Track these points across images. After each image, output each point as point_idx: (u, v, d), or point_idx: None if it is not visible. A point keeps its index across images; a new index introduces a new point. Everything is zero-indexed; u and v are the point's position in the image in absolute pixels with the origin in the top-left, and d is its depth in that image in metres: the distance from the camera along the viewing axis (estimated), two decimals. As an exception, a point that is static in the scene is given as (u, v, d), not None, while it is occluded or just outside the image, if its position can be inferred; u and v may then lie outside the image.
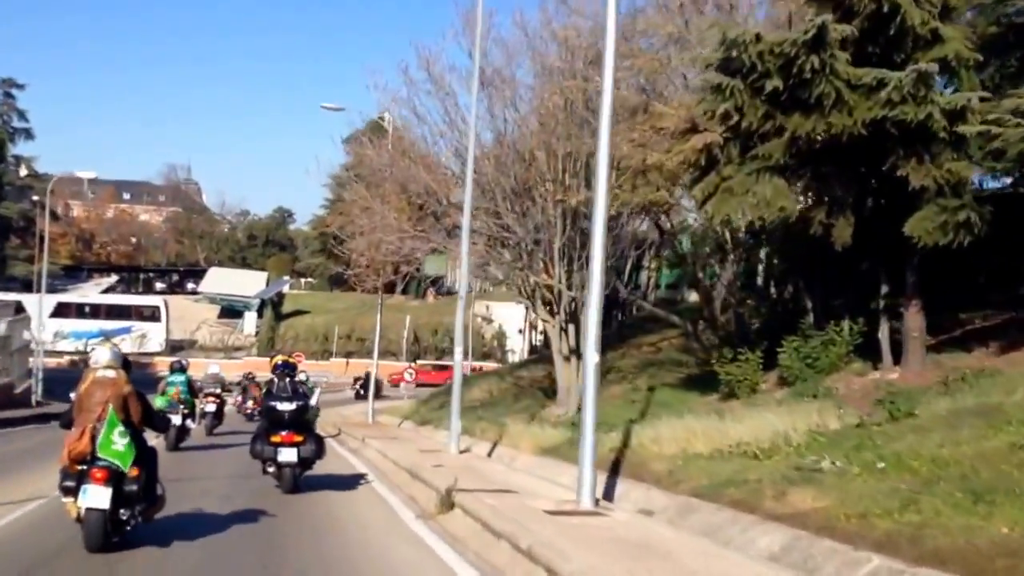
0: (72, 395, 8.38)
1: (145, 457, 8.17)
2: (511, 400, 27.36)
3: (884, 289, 14.69)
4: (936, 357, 14.07)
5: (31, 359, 34.78)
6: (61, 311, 61.51)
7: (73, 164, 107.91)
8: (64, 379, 29.82)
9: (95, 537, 7.70)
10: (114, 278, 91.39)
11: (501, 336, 66.14)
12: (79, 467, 7.79)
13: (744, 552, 7.17)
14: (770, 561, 6.84)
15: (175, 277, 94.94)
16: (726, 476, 9.27)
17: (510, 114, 22.53)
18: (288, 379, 12.61)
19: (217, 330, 74.33)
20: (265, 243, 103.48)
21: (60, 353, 57.86)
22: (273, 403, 12.52)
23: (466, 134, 21.33)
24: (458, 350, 18.02)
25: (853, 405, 12.55)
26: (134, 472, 7.86)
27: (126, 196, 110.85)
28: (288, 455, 12.14)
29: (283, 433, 12.19)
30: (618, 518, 8.68)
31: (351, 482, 13.92)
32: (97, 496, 7.65)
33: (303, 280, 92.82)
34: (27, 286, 63.54)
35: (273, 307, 74.40)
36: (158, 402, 17.47)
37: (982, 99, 12.23)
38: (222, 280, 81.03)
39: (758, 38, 12.59)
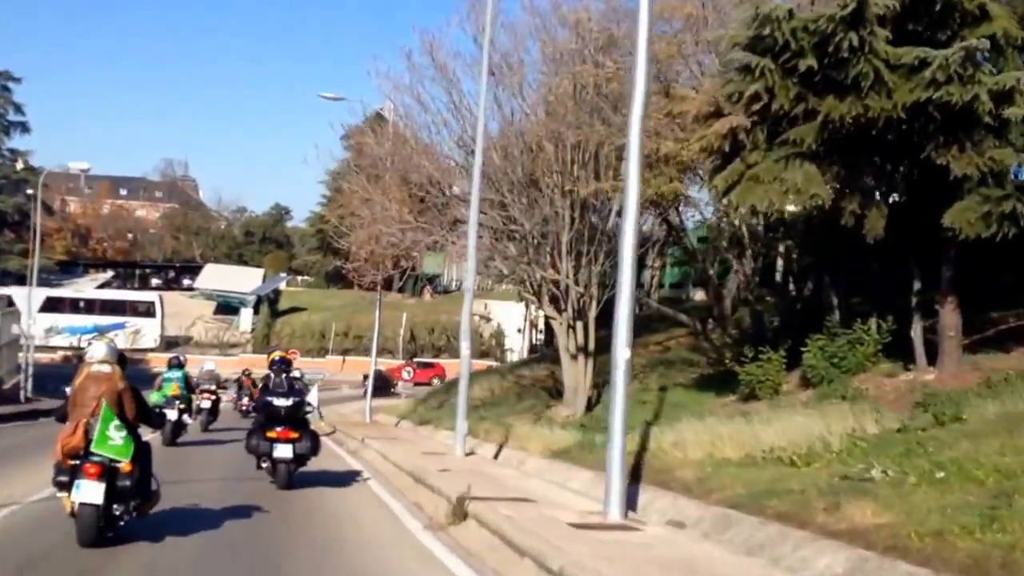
0: (68, 389, 8.36)
1: (139, 452, 8.11)
2: (514, 399, 26.63)
3: (917, 285, 13.93)
4: (972, 358, 13.46)
5: (20, 354, 33.88)
6: (52, 305, 60.56)
7: (70, 159, 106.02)
8: (57, 375, 29.58)
9: (88, 532, 7.69)
10: (110, 274, 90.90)
11: (499, 335, 65.65)
12: (72, 462, 7.75)
13: (800, 575, 6.33)
14: (834, 586, 6.00)
15: (171, 273, 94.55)
16: (764, 485, 8.48)
17: (517, 102, 21.80)
18: (284, 375, 12.64)
19: (213, 326, 73.70)
20: (262, 240, 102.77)
21: (53, 348, 57.30)
22: (270, 399, 12.51)
23: (470, 122, 20.54)
24: (464, 344, 16.78)
25: (888, 408, 11.87)
26: (127, 467, 7.82)
27: (122, 192, 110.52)
28: (284, 451, 12.08)
29: (279, 429, 12.15)
30: (652, 533, 7.83)
31: (346, 478, 13.80)
32: (90, 491, 7.62)
33: (300, 277, 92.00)
34: (21, 281, 62.48)
35: (269, 304, 73.75)
36: (153, 398, 17.50)
37: (1028, 80, 11.46)
38: (218, 276, 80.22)
39: (791, 14, 11.81)
